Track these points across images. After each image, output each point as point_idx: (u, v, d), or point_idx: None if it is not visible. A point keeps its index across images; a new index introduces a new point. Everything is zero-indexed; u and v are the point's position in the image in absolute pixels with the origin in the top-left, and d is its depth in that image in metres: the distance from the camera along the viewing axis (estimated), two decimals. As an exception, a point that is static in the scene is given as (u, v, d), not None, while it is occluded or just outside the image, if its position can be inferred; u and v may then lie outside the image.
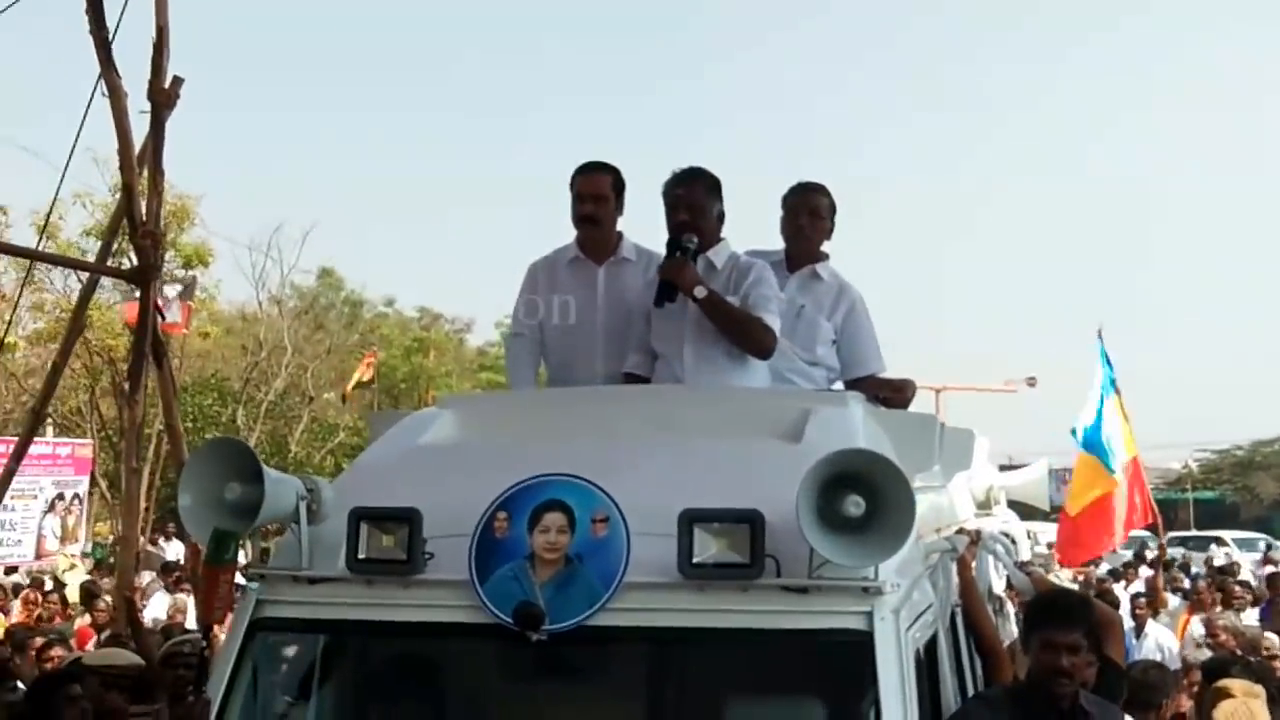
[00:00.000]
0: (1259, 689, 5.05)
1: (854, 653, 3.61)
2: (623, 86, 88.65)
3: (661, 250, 5.32)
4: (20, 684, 7.11)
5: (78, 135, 8.74)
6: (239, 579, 4.14)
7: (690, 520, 3.62)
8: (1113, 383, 10.99)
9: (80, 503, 23.50)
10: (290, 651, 4.50)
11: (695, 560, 3.62)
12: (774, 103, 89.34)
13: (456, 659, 4.03)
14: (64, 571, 17.78)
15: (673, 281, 5.12)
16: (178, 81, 8.49)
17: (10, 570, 19.77)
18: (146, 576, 15.69)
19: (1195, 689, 7.04)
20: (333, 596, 3.91)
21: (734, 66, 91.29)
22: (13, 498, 20.91)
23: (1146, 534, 14.03)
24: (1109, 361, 11.16)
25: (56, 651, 8.13)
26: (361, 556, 3.82)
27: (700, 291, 5.06)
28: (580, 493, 3.77)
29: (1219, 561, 23.78)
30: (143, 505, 22.34)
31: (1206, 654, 9.09)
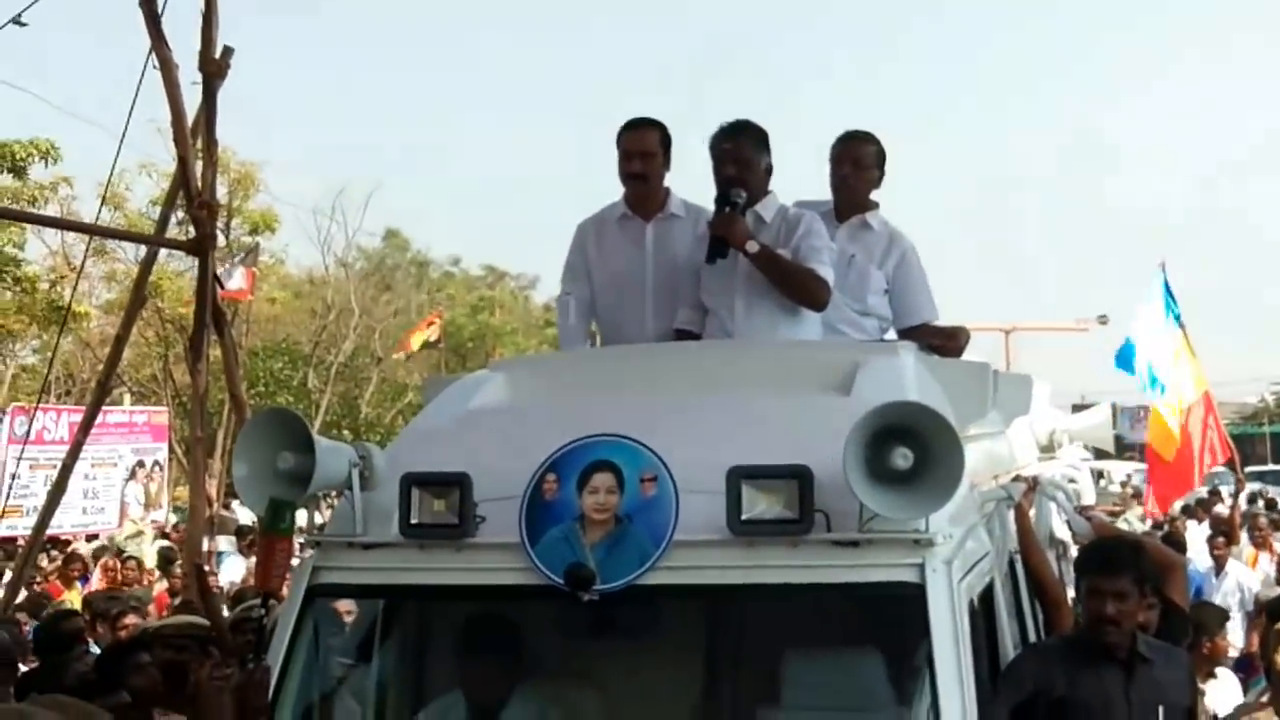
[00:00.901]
0: (1322, 630, 4.98)
1: (907, 605, 3.59)
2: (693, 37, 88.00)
3: (709, 206, 5.29)
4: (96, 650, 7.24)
5: (131, 108, 8.81)
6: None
7: (739, 477, 3.61)
8: (1178, 319, 10.77)
9: (161, 469, 23.84)
10: (348, 616, 4.58)
11: (744, 517, 3.61)
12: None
13: (509, 621, 4.07)
14: (127, 539, 18.02)
15: (723, 237, 5.09)
16: (228, 52, 8.52)
17: (91, 538, 20.13)
18: (223, 541, 15.93)
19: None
20: (386, 562, 3.95)
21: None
22: (94, 466, 21.33)
23: (1223, 469, 13.85)
24: (1173, 296, 10.92)
25: (130, 619, 8.25)
26: (414, 521, 3.85)
27: (752, 246, 5.03)
28: (628, 452, 3.77)
29: None
30: (218, 468, 22.75)
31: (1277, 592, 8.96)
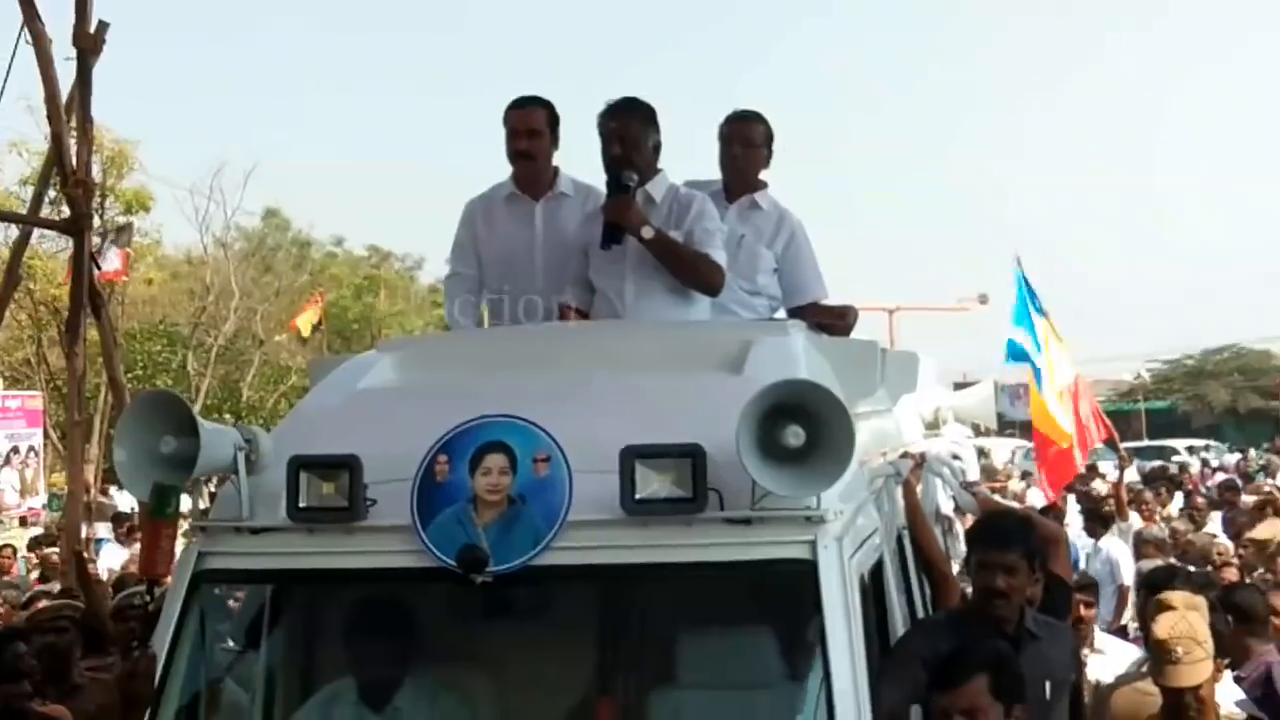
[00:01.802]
0: (1200, 600, 5.11)
1: (798, 581, 3.62)
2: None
3: (599, 184, 5.26)
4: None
5: (4, 84, 8.57)
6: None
7: (632, 456, 3.61)
8: (1039, 309, 10.95)
9: (36, 455, 23.27)
10: (236, 603, 4.50)
11: (638, 496, 3.61)
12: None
13: (401, 604, 4.02)
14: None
15: (618, 222, 5.07)
16: (103, 27, 8.31)
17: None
18: (101, 528, 15.58)
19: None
20: (275, 546, 3.88)
21: None
22: (-35, 452, 20.76)
23: (1101, 446, 14.17)
24: (1031, 288, 11.07)
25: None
26: (303, 505, 3.79)
27: (648, 232, 5.00)
28: (521, 433, 3.75)
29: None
30: (95, 454, 22.24)
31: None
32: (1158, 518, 13.15)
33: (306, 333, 33.81)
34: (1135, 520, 12.34)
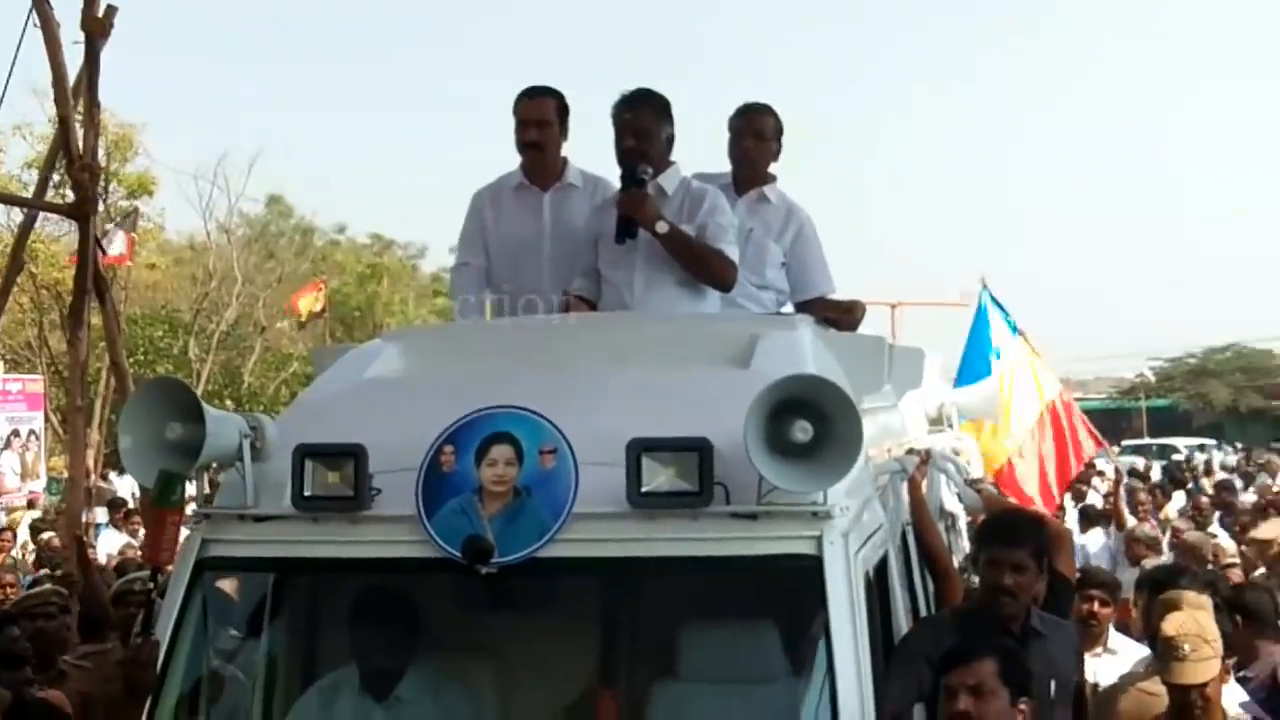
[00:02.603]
0: (1206, 600, 5.10)
1: (804, 577, 3.61)
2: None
3: (608, 175, 5.25)
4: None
5: (11, 67, 8.55)
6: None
7: (638, 449, 3.59)
8: (1014, 328, 10.60)
9: (37, 439, 23.24)
10: (239, 590, 4.49)
11: (644, 489, 3.60)
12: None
13: (405, 594, 4.02)
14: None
15: (633, 216, 5.04)
16: (111, 10, 8.30)
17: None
18: (100, 514, 15.58)
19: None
20: (279, 534, 3.87)
21: None
22: (-34, 435, 20.73)
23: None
24: (1001, 307, 10.70)
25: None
26: (307, 494, 3.78)
27: (662, 227, 4.97)
28: (527, 424, 3.74)
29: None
30: (95, 439, 22.23)
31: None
32: (1155, 518, 13.01)
33: (305, 316, 33.71)
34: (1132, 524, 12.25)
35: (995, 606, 4.37)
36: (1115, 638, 6.69)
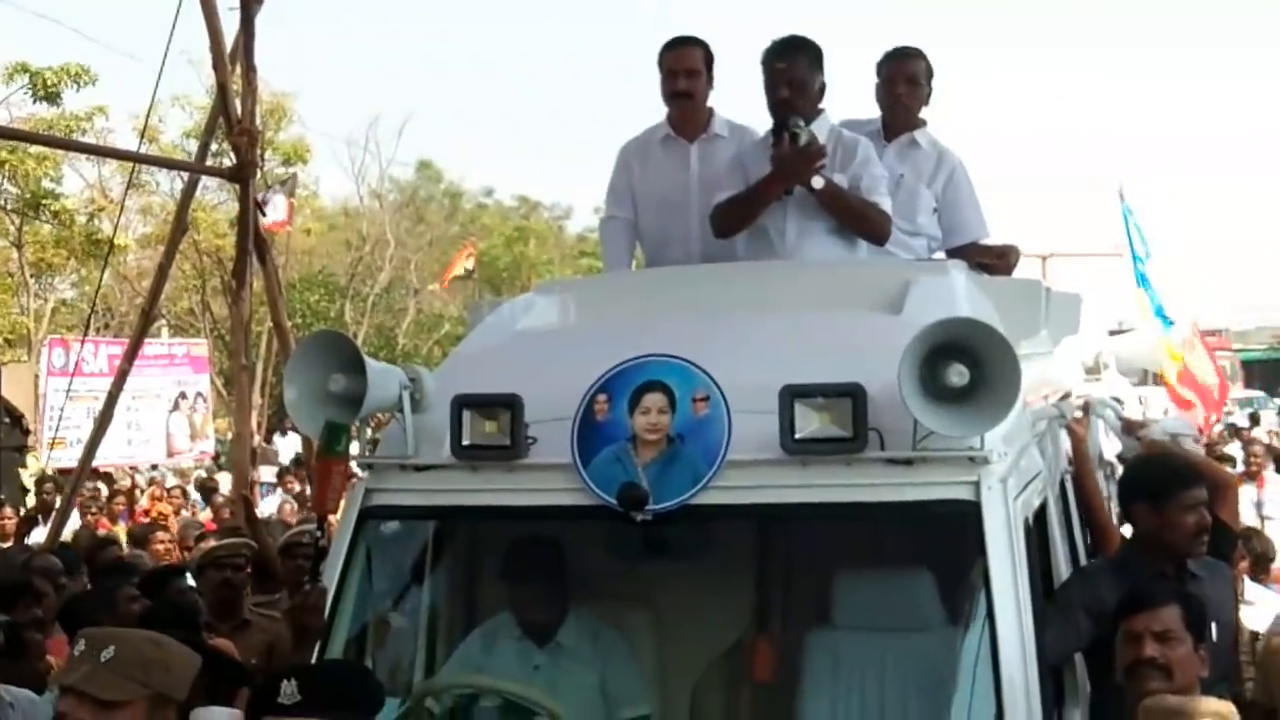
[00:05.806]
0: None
1: (961, 523, 3.57)
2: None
3: (752, 125, 5.20)
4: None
5: (170, 36, 8.77)
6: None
7: (791, 395, 3.59)
8: (1144, 252, 10.39)
9: (204, 401, 23.97)
10: (402, 538, 4.59)
11: (797, 435, 3.59)
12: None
13: (561, 542, 4.08)
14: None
15: (788, 174, 4.98)
16: (265, -23, 8.48)
17: (134, 470, 20.30)
18: (265, 472, 16.05)
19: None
20: (439, 483, 3.96)
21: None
22: (135, 398, 21.43)
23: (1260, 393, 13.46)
24: (1136, 224, 10.48)
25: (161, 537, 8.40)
26: (466, 443, 3.85)
27: (818, 182, 4.89)
28: (680, 372, 3.75)
29: None
30: (259, 400, 22.89)
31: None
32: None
33: (449, 279, 34.20)
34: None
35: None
36: (1251, 588, 6.69)
